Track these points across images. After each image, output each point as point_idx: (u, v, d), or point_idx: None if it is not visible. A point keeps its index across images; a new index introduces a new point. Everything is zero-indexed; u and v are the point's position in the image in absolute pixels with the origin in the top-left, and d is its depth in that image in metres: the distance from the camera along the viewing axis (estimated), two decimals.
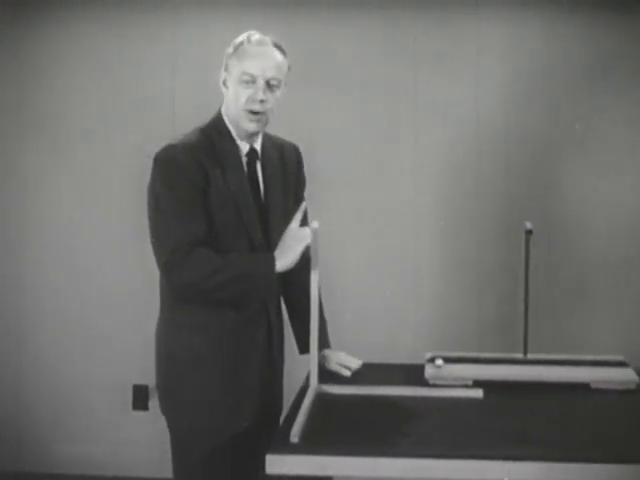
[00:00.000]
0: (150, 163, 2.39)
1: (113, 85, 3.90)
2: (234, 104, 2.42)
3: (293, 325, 2.68)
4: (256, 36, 2.43)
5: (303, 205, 2.44)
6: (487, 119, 3.80)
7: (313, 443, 2.11)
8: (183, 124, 2.55)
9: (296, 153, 2.64)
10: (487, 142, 3.81)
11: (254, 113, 2.39)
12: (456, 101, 3.80)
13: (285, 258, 2.36)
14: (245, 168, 2.46)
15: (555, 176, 3.80)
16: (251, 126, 2.42)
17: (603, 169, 3.78)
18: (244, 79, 2.38)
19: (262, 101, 2.39)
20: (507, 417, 2.33)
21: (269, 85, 2.39)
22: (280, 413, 2.60)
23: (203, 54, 3.74)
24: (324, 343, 2.66)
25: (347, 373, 2.63)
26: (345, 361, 2.66)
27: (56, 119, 3.94)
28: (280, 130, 2.63)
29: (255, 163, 2.48)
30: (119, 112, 3.90)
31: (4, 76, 3.94)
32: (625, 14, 3.72)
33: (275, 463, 2.06)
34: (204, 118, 2.50)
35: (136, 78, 3.90)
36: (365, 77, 3.83)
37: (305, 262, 2.41)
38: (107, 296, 3.95)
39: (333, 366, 2.64)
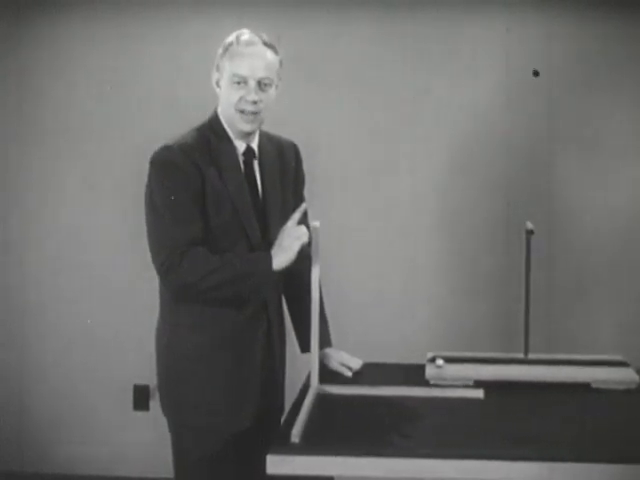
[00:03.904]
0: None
1: (115, 85, 3.90)
2: (227, 105, 2.42)
3: (294, 323, 2.68)
4: (245, 36, 2.42)
5: (303, 206, 2.43)
6: (487, 119, 3.80)
7: (314, 443, 2.11)
8: (185, 123, 2.54)
9: (294, 150, 2.63)
10: (487, 142, 3.81)
11: (247, 114, 2.40)
12: (456, 101, 3.80)
13: (282, 256, 2.36)
14: (242, 167, 2.46)
15: (555, 176, 3.80)
16: (245, 126, 2.42)
17: (603, 169, 3.78)
18: (235, 80, 2.38)
19: (254, 102, 2.39)
20: (508, 417, 2.33)
21: (261, 85, 2.39)
22: (282, 412, 2.60)
23: (205, 52, 3.72)
24: (326, 342, 2.65)
25: (348, 373, 2.63)
26: (347, 361, 2.66)
27: (57, 119, 3.93)
28: (280, 130, 2.63)
29: (252, 162, 2.48)
30: (121, 112, 3.90)
31: (5, 76, 3.94)
32: (627, 13, 3.72)
33: (276, 463, 2.06)
34: (206, 117, 2.50)
35: (138, 77, 3.89)
36: (365, 77, 3.83)
37: (306, 260, 2.41)
38: (108, 296, 3.95)
39: (334, 365, 2.64)
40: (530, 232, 2.68)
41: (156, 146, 2.41)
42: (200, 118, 2.51)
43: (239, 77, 2.38)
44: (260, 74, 2.38)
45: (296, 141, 2.65)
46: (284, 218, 2.43)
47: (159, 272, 2.37)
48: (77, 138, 3.94)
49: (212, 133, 2.44)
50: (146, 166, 2.41)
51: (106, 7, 3.88)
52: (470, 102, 3.80)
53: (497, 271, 3.81)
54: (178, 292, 2.40)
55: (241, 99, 2.39)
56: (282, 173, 2.55)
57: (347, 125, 3.85)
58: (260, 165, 2.50)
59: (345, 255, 3.83)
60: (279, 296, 2.59)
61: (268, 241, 2.43)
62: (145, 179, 2.42)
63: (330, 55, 3.83)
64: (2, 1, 3.90)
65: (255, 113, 2.40)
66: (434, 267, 3.87)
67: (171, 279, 2.35)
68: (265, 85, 2.40)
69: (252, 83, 2.38)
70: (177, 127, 2.53)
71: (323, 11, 3.83)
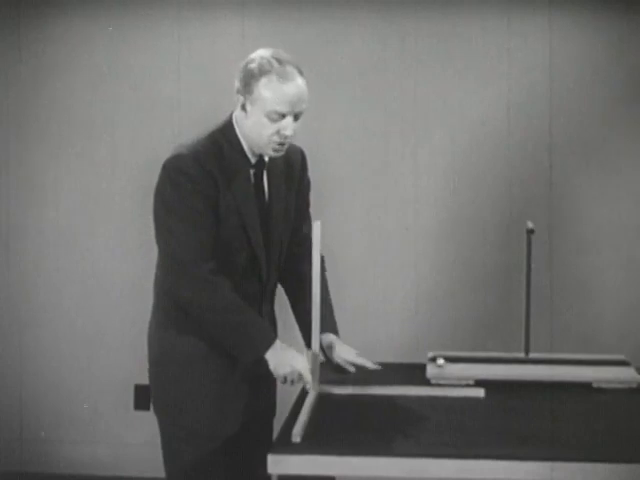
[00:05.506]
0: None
1: (117, 88, 3.90)
2: (257, 133, 2.36)
3: (298, 320, 2.62)
4: (288, 67, 2.32)
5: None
6: (488, 119, 3.80)
7: (315, 443, 2.11)
8: (187, 126, 2.54)
9: (301, 156, 2.60)
10: (488, 142, 3.80)
11: (279, 143, 2.37)
12: (458, 101, 3.80)
13: (274, 360, 2.34)
14: (252, 178, 2.45)
15: (556, 176, 3.80)
16: (275, 154, 2.39)
17: (605, 168, 3.78)
18: (273, 117, 2.32)
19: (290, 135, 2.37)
20: (508, 416, 2.33)
21: (296, 116, 2.35)
22: (274, 413, 2.60)
23: (207, 55, 3.74)
24: (331, 328, 2.59)
25: (352, 369, 2.60)
26: (354, 359, 2.59)
27: (59, 122, 3.93)
28: None
29: (262, 173, 2.46)
30: (123, 115, 3.90)
31: (7, 79, 3.94)
32: (630, 13, 3.72)
33: (277, 463, 2.05)
34: (208, 121, 2.48)
35: (140, 80, 3.89)
36: (367, 78, 3.82)
37: (307, 265, 2.41)
38: (109, 296, 3.95)
39: (337, 359, 2.58)
40: (531, 231, 2.67)
41: (157, 146, 2.41)
42: (200, 118, 2.50)
43: (279, 115, 2.33)
44: (298, 109, 2.34)
45: (296, 142, 2.64)
46: (286, 222, 2.45)
47: (170, 271, 2.36)
48: (78, 138, 3.94)
49: (226, 142, 2.39)
50: (147, 165, 2.41)
51: (106, 7, 3.88)
52: (471, 103, 3.80)
53: (498, 270, 3.81)
54: (176, 299, 2.39)
55: (277, 132, 2.34)
56: (288, 179, 2.52)
57: (347, 126, 3.84)
58: (268, 175, 2.47)
59: (345, 255, 3.83)
60: (272, 297, 2.57)
61: (269, 247, 2.44)
62: (147, 181, 2.42)
63: (330, 56, 3.82)
64: (2, 1, 3.90)
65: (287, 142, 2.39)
66: (435, 267, 3.86)
67: (180, 292, 2.35)
68: (299, 115, 2.37)
69: (290, 118, 2.34)
70: (178, 127, 2.53)
71: (323, 11, 3.82)
